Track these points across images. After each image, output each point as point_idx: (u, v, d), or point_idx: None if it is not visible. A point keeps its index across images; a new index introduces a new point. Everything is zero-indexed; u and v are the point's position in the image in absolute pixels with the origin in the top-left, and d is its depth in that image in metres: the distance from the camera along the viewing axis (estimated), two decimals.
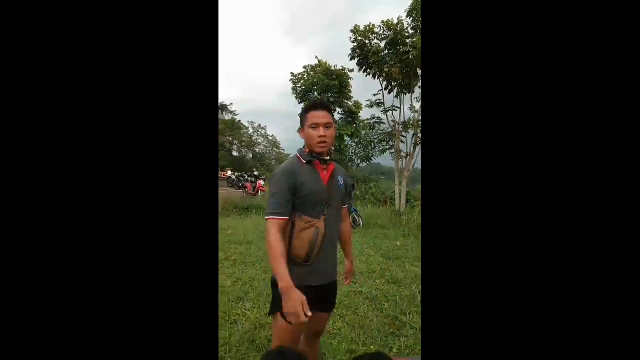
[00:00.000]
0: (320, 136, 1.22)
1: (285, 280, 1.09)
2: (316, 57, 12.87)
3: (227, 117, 33.60)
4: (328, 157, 1.29)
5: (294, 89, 12.56)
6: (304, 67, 12.53)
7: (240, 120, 34.43)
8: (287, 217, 1.18)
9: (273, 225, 1.14)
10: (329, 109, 1.27)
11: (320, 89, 11.95)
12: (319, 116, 1.23)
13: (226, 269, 3.40)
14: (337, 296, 2.65)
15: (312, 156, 1.26)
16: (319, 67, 12.21)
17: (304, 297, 1.08)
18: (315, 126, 1.23)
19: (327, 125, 1.23)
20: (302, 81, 12.42)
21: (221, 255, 3.84)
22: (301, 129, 1.29)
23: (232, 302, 2.54)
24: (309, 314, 1.07)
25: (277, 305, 1.18)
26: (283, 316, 1.15)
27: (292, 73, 12.61)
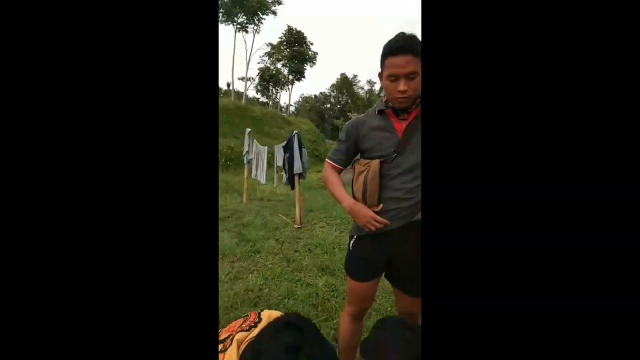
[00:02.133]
0: (400, 91, 0.92)
1: (347, 200, 1.08)
2: None
3: (352, 116, 34.46)
4: (412, 106, 0.99)
5: None
6: None
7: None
8: (342, 167, 1.17)
9: (327, 166, 1.19)
10: (413, 51, 0.89)
11: None
12: (398, 64, 0.91)
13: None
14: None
15: (386, 106, 1.03)
16: None
17: (372, 212, 1.02)
18: (394, 78, 0.92)
19: (410, 76, 0.91)
20: None
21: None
22: (380, 74, 1.00)
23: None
24: (386, 222, 1.01)
25: (347, 264, 1.18)
26: (350, 276, 1.16)
27: None
